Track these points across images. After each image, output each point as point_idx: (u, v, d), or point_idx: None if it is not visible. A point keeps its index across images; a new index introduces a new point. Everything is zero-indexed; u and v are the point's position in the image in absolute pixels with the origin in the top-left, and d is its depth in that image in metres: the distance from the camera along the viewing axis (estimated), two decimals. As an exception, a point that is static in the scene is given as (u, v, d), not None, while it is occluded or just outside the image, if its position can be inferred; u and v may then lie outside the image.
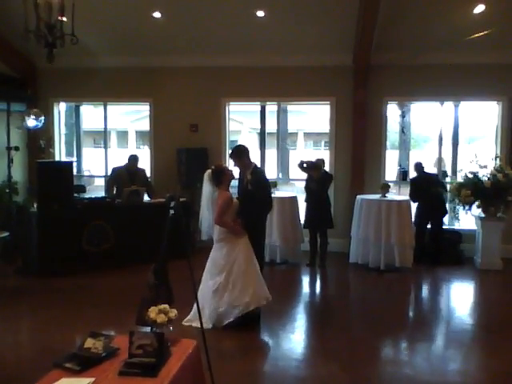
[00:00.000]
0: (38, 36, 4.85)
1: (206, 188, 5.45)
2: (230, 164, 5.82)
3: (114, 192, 8.53)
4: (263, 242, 6.19)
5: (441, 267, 8.24)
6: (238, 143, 6.61)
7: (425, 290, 7.71)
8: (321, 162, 8.30)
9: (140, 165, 8.91)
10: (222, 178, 5.37)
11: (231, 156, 5.83)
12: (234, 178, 5.62)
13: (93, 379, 2.60)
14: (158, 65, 9.44)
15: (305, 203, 8.30)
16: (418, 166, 8.70)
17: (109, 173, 9.24)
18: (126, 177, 8.57)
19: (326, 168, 8.75)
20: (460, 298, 7.24)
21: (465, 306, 6.74)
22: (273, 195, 8.03)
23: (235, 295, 5.28)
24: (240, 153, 5.71)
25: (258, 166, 6.41)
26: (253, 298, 5.29)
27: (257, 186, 5.61)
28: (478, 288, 7.67)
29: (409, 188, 8.78)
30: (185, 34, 8.76)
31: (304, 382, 4.35)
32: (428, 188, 8.36)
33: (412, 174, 9.04)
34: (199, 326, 3.76)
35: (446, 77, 8.81)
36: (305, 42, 8.75)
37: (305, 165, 8.07)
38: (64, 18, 4.89)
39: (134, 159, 8.75)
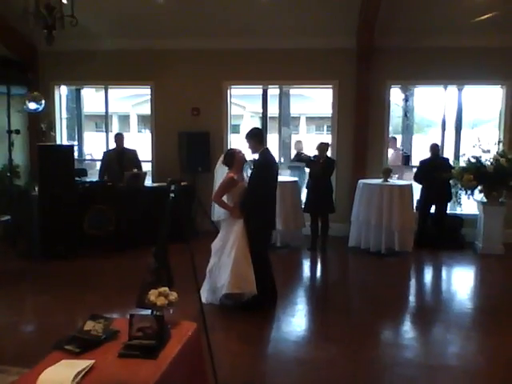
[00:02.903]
0: (38, 18, 4.80)
1: (219, 171, 5.68)
2: (243, 147, 5.84)
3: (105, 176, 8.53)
4: (263, 230, 5.61)
5: (442, 252, 8.24)
6: (254, 127, 6.59)
7: (425, 275, 7.72)
8: (325, 145, 8.26)
9: (134, 146, 8.90)
10: (232, 159, 5.55)
11: (245, 138, 5.86)
12: (246, 161, 5.71)
13: (93, 361, 2.61)
14: (159, 48, 9.34)
15: (305, 189, 8.29)
16: (434, 148, 8.56)
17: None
18: (114, 159, 8.59)
19: (328, 153, 8.70)
20: (461, 282, 7.25)
21: (465, 290, 6.74)
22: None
23: (220, 276, 5.45)
24: (252, 135, 5.75)
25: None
26: (228, 282, 5.30)
27: (257, 166, 5.61)
28: (478, 272, 7.66)
29: (415, 170, 8.72)
30: (186, 16, 8.66)
31: (304, 364, 4.37)
32: (435, 172, 8.28)
33: (415, 158, 8.96)
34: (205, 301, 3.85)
35: (450, 60, 8.71)
36: (307, 25, 8.64)
37: (302, 155, 8.12)
38: (64, 0, 4.84)
39: (118, 138, 8.74)
